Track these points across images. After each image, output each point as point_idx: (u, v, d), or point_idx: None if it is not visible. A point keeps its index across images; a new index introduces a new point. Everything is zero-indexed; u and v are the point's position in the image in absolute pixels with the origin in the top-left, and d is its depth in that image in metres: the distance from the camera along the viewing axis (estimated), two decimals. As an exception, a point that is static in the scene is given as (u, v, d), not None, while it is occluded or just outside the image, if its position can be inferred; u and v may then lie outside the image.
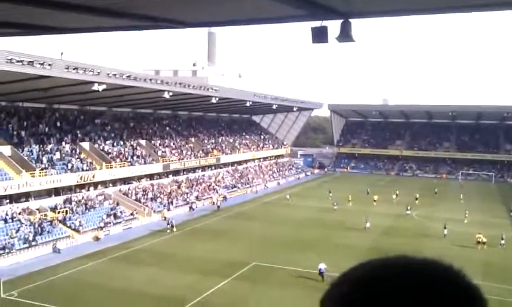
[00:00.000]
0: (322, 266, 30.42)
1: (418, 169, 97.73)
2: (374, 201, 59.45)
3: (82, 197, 46.51)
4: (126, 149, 57.04)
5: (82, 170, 47.52)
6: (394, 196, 62.79)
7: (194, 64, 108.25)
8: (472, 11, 9.96)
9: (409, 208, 53.73)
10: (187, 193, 58.46)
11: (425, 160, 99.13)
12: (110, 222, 44.07)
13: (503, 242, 40.07)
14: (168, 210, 51.13)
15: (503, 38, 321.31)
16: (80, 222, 41.88)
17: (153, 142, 63.49)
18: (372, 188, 70.04)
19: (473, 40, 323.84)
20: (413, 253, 0.98)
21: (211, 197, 59.84)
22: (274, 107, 79.33)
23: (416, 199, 61.39)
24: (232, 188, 67.55)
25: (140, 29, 10.71)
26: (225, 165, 74.84)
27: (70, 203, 44.50)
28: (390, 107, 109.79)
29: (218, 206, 55.66)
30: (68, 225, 41.44)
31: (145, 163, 56.92)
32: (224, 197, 61.36)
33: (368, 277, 0.94)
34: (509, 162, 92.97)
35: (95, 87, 40.51)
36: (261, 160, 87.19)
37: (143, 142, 61.62)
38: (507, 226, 47.83)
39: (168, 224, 44.11)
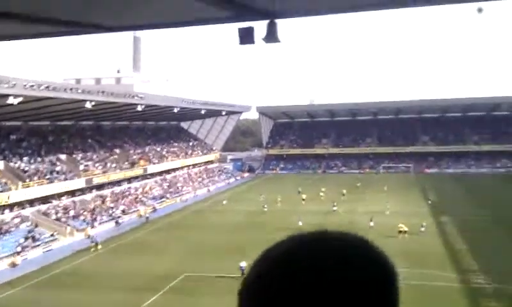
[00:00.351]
0: (243, 264, 31.13)
1: (343, 165, 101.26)
2: (303, 200, 60.62)
3: (-4, 221, 43.12)
4: (44, 166, 53.83)
5: (-4, 191, 44.11)
6: (321, 194, 64.52)
7: (118, 71, 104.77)
8: (399, 8, 10.16)
9: (335, 204, 55.29)
10: (112, 208, 56.15)
11: (349, 156, 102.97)
12: (28, 246, 41.12)
13: (423, 229, 42.33)
14: (92, 227, 48.78)
15: (418, 33, 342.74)
16: (-7, 248, 38.72)
17: (74, 156, 60.47)
18: (301, 187, 71.44)
19: (391, 37, 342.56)
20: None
21: (138, 210, 57.96)
22: (202, 112, 78.72)
23: (343, 195, 63.52)
24: (161, 198, 65.90)
25: (62, 35, 9.86)
26: (153, 175, 72.94)
27: (-18, 229, 41.09)
28: (317, 107, 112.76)
29: (147, 218, 54.08)
30: (-20, 253, 38.16)
31: (66, 179, 54.01)
32: (154, 209, 59.75)
33: (284, 256, 0.94)
34: (426, 153, 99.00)
35: (10, 100, 37.78)
36: (190, 167, 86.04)
37: (63, 156, 58.47)
38: (426, 214, 50.62)
39: (92, 242, 42.04)
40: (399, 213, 49.86)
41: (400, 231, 41.51)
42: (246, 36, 9.55)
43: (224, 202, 63.09)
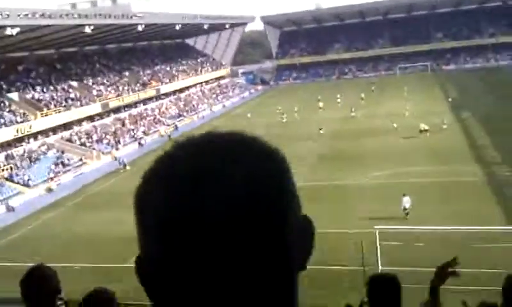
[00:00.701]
0: None
1: (358, 70, 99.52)
2: (320, 108, 60.37)
3: (24, 151, 44.06)
4: (58, 94, 53.79)
5: (17, 122, 44.60)
6: (338, 100, 64.14)
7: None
8: None
9: (353, 109, 55.05)
10: (133, 129, 56.70)
11: (363, 60, 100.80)
12: (59, 172, 42.30)
13: (445, 126, 42.27)
14: (117, 149, 49.63)
15: None
16: (28, 176, 39.91)
17: (85, 82, 60.10)
18: (316, 95, 70.88)
19: None
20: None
21: (158, 130, 58.46)
22: (205, 27, 76.56)
23: (362, 99, 63.09)
24: (178, 117, 66.14)
25: None
26: (166, 95, 72.69)
27: (13, 159, 42.13)
28: (323, 11, 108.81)
29: (169, 136, 54.90)
30: (16, 181, 39.39)
31: (81, 105, 54.15)
32: (176, 127, 60.44)
33: (162, 160, 0.79)
34: (442, 49, 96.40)
35: (8, 31, 36.98)
36: (202, 84, 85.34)
37: (74, 83, 58.19)
38: (447, 112, 50.31)
39: (120, 163, 42.97)
40: (419, 114, 49.63)
41: (421, 130, 41.50)
42: None
43: (249, 115, 63.26)
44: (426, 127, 41.61)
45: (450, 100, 57.13)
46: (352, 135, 45.11)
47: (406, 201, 24.65)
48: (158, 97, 70.04)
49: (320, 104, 61.39)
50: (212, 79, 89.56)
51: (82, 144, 48.96)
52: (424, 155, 35.78)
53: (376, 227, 21.73)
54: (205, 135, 0.82)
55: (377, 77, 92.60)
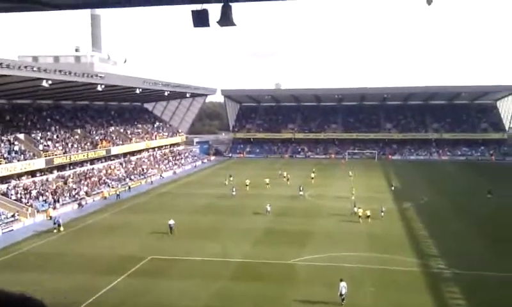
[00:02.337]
0: (171, 222, 38.39)
1: (310, 150, 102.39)
2: (267, 184, 61.05)
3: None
4: (2, 145, 51.66)
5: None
6: (284, 178, 65.39)
7: (76, 50, 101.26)
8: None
9: (301, 188, 55.88)
10: (75, 189, 54.71)
11: (315, 141, 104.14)
12: (-14, 227, 39.61)
13: (382, 213, 43.36)
14: (54, 208, 47.41)
15: (381, 20, 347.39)
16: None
17: (33, 135, 58.30)
18: (267, 172, 71.80)
19: (354, 22, 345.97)
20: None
21: (102, 191, 56.71)
22: (166, 93, 77.32)
23: (312, 178, 65.32)
24: (125, 180, 64.67)
25: (7, 11, 9.33)
26: (117, 156, 71.47)
27: None
28: (281, 91, 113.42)
29: (118, 196, 55.58)
30: None
31: (25, 159, 52.09)
32: (129, 187, 60.94)
33: None
34: (390, 140, 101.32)
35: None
36: (155, 149, 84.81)
37: (21, 136, 56.26)
38: (389, 200, 51.92)
39: (54, 223, 40.89)
40: (362, 199, 50.88)
41: (360, 216, 42.36)
42: (200, 19, 9.32)
43: (230, 178, 65.36)
44: (368, 213, 42.50)
45: (392, 188, 59.17)
46: (298, 214, 45.44)
47: (343, 286, 24.49)
48: (107, 158, 68.69)
49: (267, 180, 62.15)
50: (166, 145, 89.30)
51: (18, 200, 46.53)
52: (363, 240, 36.25)
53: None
54: None
55: (328, 159, 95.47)
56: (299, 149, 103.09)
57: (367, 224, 40.99)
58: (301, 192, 55.05)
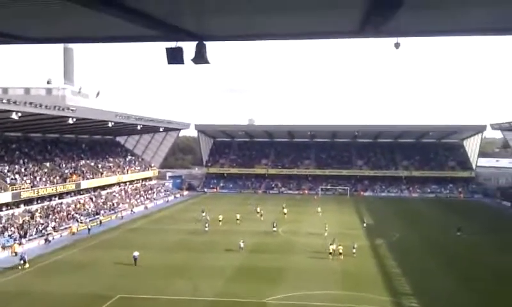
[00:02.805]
0: (136, 253, 39.41)
1: (283, 186, 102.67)
2: (237, 219, 60.75)
3: None
4: (-34, 178, 49.94)
5: None
6: (258, 215, 65.18)
7: (48, 82, 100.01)
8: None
9: (275, 224, 55.68)
10: (42, 223, 52.98)
11: (289, 177, 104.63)
12: None
13: (354, 250, 43.45)
14: (20, 244, 45.64)
15: (352, 59, 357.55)
16: None
17: (0, 168, 56.59)
18: (240, 207, 71.45)
19: (327, 60, 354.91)
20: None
21: (71, 226, 55.09)
22: (139, 127, 76.80)
23: (285, 214, 65.46)
24: (96, 215, 63.10)
25: None
26: (86, 190, 69.90)
27: None
28: (255, 127, 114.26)
29: (89, 229, 54.90)
30: None
31: (-10, 192, 50.36)
32: (100, 222, 59.97)
33: None
34: (361, 176, 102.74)
35: None
36: (127, 183, 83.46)
37: (-13, 168, 54.57)
38: (361, 236, 52.19)
39: (21, 259, 39.31)
40: (335, 235, 50.97)
41: (330, 253, 42.35)
42: (175, 56, 9.42)
43: (203, 213, 65.22)
44: (340, 249, 42.54)
45: (364, 224, 59.56)
46: (272, 250, 45.08)
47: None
48: (77, 192, 67.08)
49: (238, 216, 62.01)
50: (137, 179, 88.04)
51: (-19, 235, 44.70)
52: (337, 277, 36.12)
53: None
54: None
55: (301, 195, 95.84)
56: (273, 185, 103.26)
57: (340, 261, 40.92)
58: (275, 228, 54.81)
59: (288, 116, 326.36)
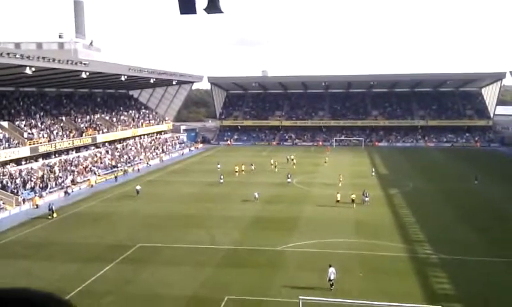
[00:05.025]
0: (138, 187, 46.03)
1: (297, 138, 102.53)
2: (252, 169, 61.92)
3: None
4: (-15, 133, 50.79)
5: None
6: (273, 167, 65.47)
7: (60, 36, 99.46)
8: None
9: (289, 176, 56.02)
10: (61, 177, 54.10)
11: (303, 129, 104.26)
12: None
13: (367, 199, 43.76)
14: (40, 196, 46.87)
15: (369, 6, 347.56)
16: None
17: (17, 123, 57.37)
18: (255, 159, 71.83)
19: (344, 12, 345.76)
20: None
21: (89, 179, 56.20)
22: (152, 81, 76.54)
23: (294, 165, 66.69)
24: (112, 168, 64.13)
25: None
26: (102, 144, 70.75)
27: None
28: (268, 79, 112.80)
29: (115, 177, 58.68)
30: None
31: (9, 147, 51.29)
32: (125, 171, 63.17)
33: None
34: (376, 127, 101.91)
35: None
36: (142, 137, 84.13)
37: (4, 123, 55.35)
38: (376, 186, 52.34)
39: (49, 209, 40.60)
40: (349, 185, 51.19)
41: (337, 201, 43.25)
42: (187, 6, 9.07)
43: (219, 165, 66.22)
44: (353, 197, 43.00)
45: (372, 174, 59.73)
46: (286, 202, 45.53)
47: (332, 272, 24.67)
48: (93, 146, 67.96)
49: (253, 167, 63.54)
50: (152, 133, 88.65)
51: (3, 188, 45.87)
52: (351, 226, 36.54)
53: (300, 297, 21.53)
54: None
55: (315, 146, 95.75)
56: (287, 137, 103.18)
57: (353, 210, 41.30)
58: (289, 180, 55.18)
59: (301, 67, 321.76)
